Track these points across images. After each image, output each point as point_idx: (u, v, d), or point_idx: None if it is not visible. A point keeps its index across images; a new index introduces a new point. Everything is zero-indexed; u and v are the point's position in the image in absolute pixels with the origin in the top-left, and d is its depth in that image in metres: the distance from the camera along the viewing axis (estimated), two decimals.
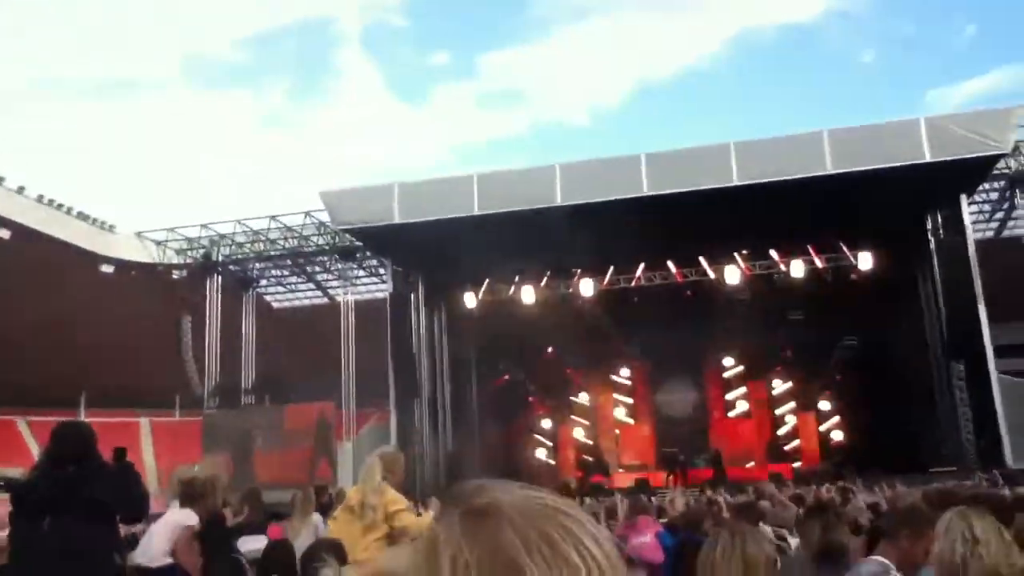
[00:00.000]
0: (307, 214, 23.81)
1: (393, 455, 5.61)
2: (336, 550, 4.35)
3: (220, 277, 25.68)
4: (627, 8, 64.76)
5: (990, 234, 23.40)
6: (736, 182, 18.00)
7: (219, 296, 25.51)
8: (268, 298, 28.81)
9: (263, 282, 27.22)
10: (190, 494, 5.59)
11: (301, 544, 5.81)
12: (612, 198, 18.49)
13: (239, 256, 25.59)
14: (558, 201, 18.76)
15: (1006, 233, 23.48)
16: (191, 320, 26.63)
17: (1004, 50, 66.49)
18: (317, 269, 26.61)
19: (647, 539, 6.24)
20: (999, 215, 23.51)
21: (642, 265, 22.66)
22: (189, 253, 25.90)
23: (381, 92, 69.47)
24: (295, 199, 69.91)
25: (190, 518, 5.41)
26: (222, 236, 25.19)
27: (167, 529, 5.44)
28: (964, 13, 62.74)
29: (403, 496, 5.32)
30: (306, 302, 29.09)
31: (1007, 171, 20.68)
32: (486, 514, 0.83)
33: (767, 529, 6.29)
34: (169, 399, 26.57)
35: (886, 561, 3.55)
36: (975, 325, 18.55)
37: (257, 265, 26.10)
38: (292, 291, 28.74)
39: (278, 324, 27.03)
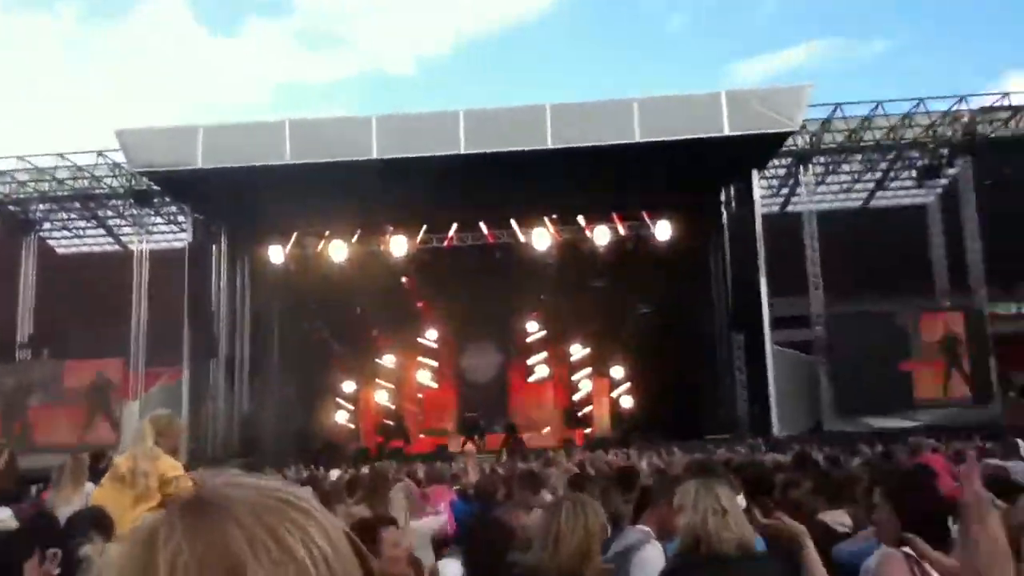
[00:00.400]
0: (100, 153, 21.97)
1: (167, 417, 5.25)
2: (101, 522, 4.02)
3: None
4: None
5: (776, 209, 25.06)
6: (550, 145, 18.38)
7: None
8: (52, 243, 26.44)
9: (47, 225, 24.89)
10: None
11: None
12: (429, 154, 18.39)
13: (20, 196, 23.25)
14: (374, 154, 18.43)
15: (789, 208, 25.23)
16: None
17: (801, 27, 71.49)
18: (109, 214, 24.65)
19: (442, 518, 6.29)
20: (784, 191, 25.27)
21: (455, 225, 22.76)
22: None
23: (188, 22, 65.22)
24: (87, 137, 64.57)
25: None
26: (1, 173, 22.81)
27: None
28: None
29: (178, 462, 5.04)
30: (95, 249, 26.97)
31: (794, 148, 22.08)
32: (211, 509, 0.78)
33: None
34: None
35: (647, 529, 3.74)
36: (756, 297, 19.91)
37: (40, 206, 23.83)
38: (80, 236, 26.46)
39: (62, 271, 24.87)
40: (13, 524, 5.28)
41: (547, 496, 6.41)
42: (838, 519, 4.42)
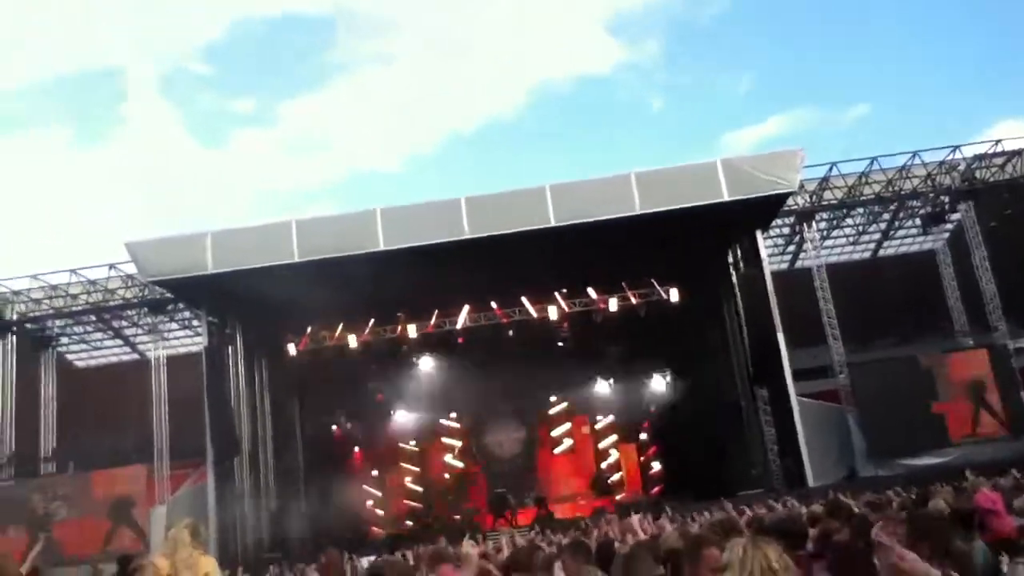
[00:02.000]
0: (112, 266, 22.41)
1: (196, 523, 5.42)
2: None
3: (14, 337, 23.63)
4: (428, 56, 65.70)
5: (784, 266, 25.30)
6: (553, 223, 18.60)
7: (14, 357, 23.44)
8: (71, 356, 26.75)
9: (64, 340, 25.27)
10: None
11: None
12: (434, 241, 18.61)
13: (36, 313, 23.65)
14: (380, 246, 18.66)
15: (798, 264, 25.47)
16: None
17: (777, 101, 72.88)
18: (124, 324, 24.99)
19: None
20: (791, 248, 25.54)
21: (466, 307, 22.86)
22: None
23: (183, 139, 66.77)
24: (96, 251, 65.66)
25: None
26: (16, 293, 23.23)
27: None
28: (739, 66, 68.48)
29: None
30: (113, 359, 27.25)
31: (795, 207, 22.53)
32: None
33: None
34: None
35: None
36: (775, 351, 19.93)
37: (56, 322, 24.21)
38: (97, 348, 26.81)
39: (82, 384, 25.13)
40: None
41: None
42: None
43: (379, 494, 28.80)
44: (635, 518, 9.03)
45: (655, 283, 22.25)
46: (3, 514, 21.56)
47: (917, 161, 22.56)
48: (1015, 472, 12.31)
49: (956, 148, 22.73)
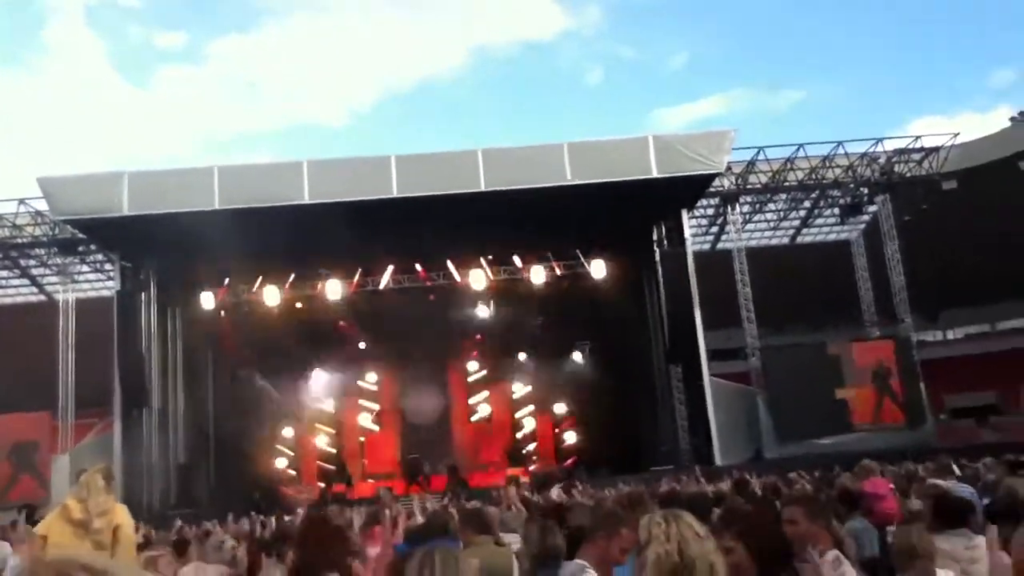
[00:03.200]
0: (21, 201, 21.45)
1: (109, 467, 5.34)
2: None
3: None
4: (369, 6, 64.67)
5: (707, 247, 25.73)
6: (484, 188, 18.54)
7: None
8: None
9: None
10: None
11: None
12: (362, 198, 18.35)
13: None
14: (306, 199, 18.33)
15: (719, 246, 25.92)
16: None
17: (712, 80, 73.97)
18: (32, 263, 23.98)
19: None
20: (714, 229, 25.96)
21: (390, 268, 22.66)
22: None
23: (106, 72, 64.23)
24: (7, 185, 63.02)
25: None
26: None
27: None
28: (675, 43, 69.18)
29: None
30: (19, 299, 26.20)
31: (721, 189, 22.88)
32: None
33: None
34: None
35: (582, 562, 3.75)
36: (692, 331, 20.32)
37: None
38: (2, 287, 25.74)
39: None
40: None
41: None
42: None
43: (291, 454, 28.48)
44: (554, 491, 9.12)
45: (580, 255, 22.38)
46: None
47: (841, 151, 23.10)
48: (909, 462, 12.86)
49: (878, 141, 23.40)
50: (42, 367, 21.75)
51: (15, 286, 25.82)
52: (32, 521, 8.20)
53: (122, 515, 5.04)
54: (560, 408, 28.82)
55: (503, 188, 18.56)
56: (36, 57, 67.33)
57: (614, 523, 3.80)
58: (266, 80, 66.63)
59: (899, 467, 11.65)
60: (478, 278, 22.34)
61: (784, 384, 22.02)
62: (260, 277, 22.07)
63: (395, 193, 18.51)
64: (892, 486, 8.44)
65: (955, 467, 10.00)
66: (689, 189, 20.15)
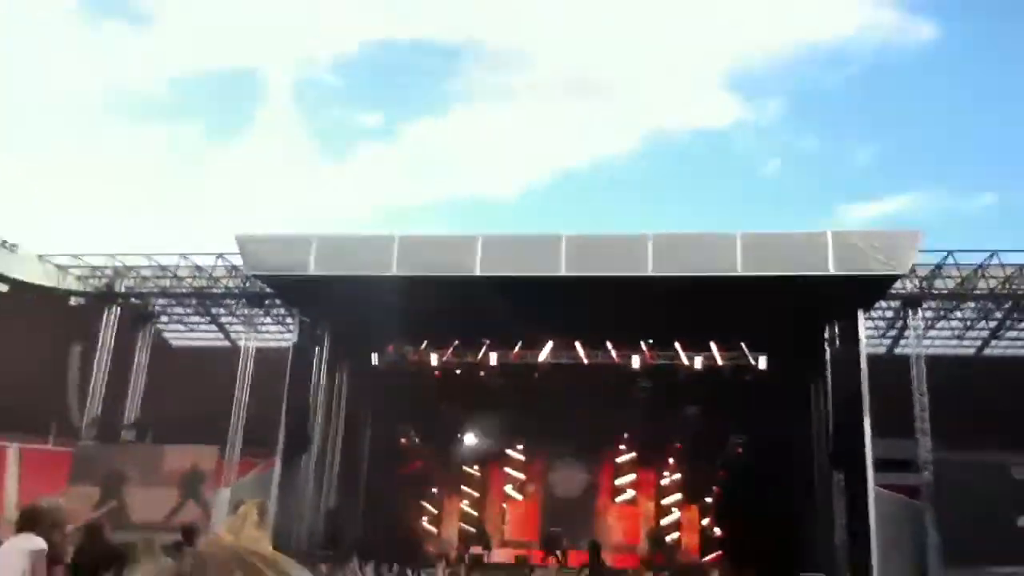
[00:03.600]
0: (220, 256, 23.25)
1: (265, 503, 5.55)
2: None
3: (119, 309, 24.66)
4: (550, 94, 66.57)
5: (882, 350, 24.51)
6: (651, 272, 18.48)
7: (115, 327, 24.41)
8: (167, 335, 27.77)
9: (164, 319, 26.24)
10: (28, 521, 5.30)
11: None
12: (530, 274, 18.71)
13: (142, 290, 24.68)
14: (477, 272, 18.85)
15: (897, 351, 24.61)
16: (82, 350, 25.37)
17: (898, 178, 70.88)
18: (222, 311, 25.83)
19: None
20: (892, 333, 24.69)
21: (550, 343, 22.90)
22: (91, 281, 24.83)
23: (305, 145, 69.08)
24: (207, 240, 68.43)
25: (36, 542, 5.11)
26: (128, 268, 24.31)
27: (16, 555, 5.10)
28: (862, 136, 66.90)
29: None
30: (205, 344, 28.18)
31: (903, 291, 21.68)
32: None
33: None
34: (45, 427, 25.17)
35: None
36: (859, 437, 19.24)
37: (160, 301, 25.17)
38: (193, 330, 27.78)
39: (173, 363, 26.03)
40: None
41: None
42: None
43: (435, 512, 28.97)
44: None
45: (744, 348, 21.87)
46: (81, 471, 22.44)
47: None
48: None
49: None
50: (218, 406, 23.16)
51: (204, 331, 27.81)
52: (189, 543, 8.71)
53: (271, 548, 5.24)
54: (709, 500, 28.04)
55: (671, 275, 18.43)
56: (247, 128, 73.21)
57: None
58: (450, 159, 69.70)
59: None
60: (637, 361, 22.22)
61: (958, 503, 20.42)
62: (425, 341, 22.84)
63: (563, 272, 18.73)
64: None
65: None
66: (868, 290, 19.28)
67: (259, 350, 23.76)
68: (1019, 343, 25.54)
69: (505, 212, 67.50)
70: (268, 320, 25.24)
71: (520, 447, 29.07)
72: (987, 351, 25.93)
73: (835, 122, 66.68)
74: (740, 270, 18.35)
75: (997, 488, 20.78)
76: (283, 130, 66.61)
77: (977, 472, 21.77)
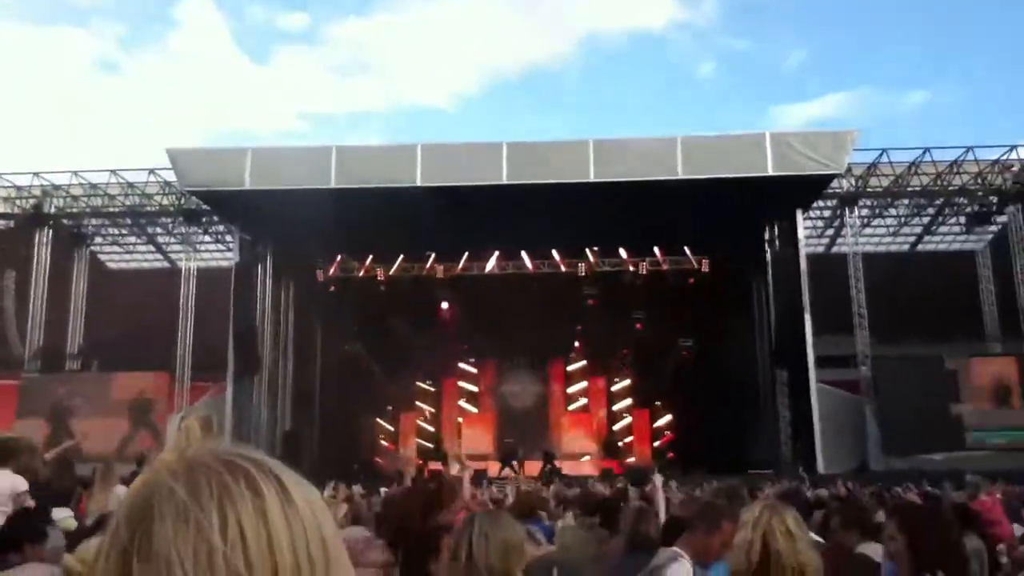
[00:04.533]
0: (151, 171, 22.57)
1: (211, 418, 5.38)
2: None
3: (51, 231, 23.94)
4: None
5: (821, 249, 24.93)
6: (593, 179, 18.43)
7: (48, 252, 23.79)
8: (103, 257, 27.11)
9: (98, 240, 25.54)
10: (3, 453, 5.11)
11: None
12: (472, 183, 18.54)
13: (73, 210, 23.92)
14: (418, 182, 18.62)
15: (835, 249, 25.06)
16: (15, 276, 24.66)
17: (832, 78, 71.16)
18: (158, 231, 25.22)
19: None
20: (829, 232, 25.11)
21: (496, 254, 22.86)
22: (17, 203, 23.94)
23: (228, 50, 66.67)
24: (136, 154, 66.29)
25: (17, 483, 4.93)
26: (56, 187, 23.47)
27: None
28: (794, 38, 66.83)
29: None
30: (144, 265, 27.60)
31: (839, 190, 22.08)
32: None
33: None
34: None
35: (677, 550, 3.71)
36: (800, 335, 19.71)
37: (93, 221, 24.48)
38: (129, 252, 27.14)
39: (112, 286, 25.48)
40: (73, 524, 5.46)
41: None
42: (878, 552, 4.33)
43: (391, 428, 29.22)
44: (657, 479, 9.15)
45: (688, 251, 22.06)
46: (27, 405, 22.14)
47: (970, 157, 22.00)
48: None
49: (1012, 148, 22.10)
50: (163, 330, 22.86)
51: (142, 252, 27.19)
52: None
53: None
54: (659, 404, 28.62)
55: (613, 180, 18.39)
56: (167, 32, 70.43)
57: (715, 516, 3.75)
58: (378, 63, 67.90)
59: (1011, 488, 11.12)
60: (583, 269, 22.34)
61: (895, 396, 21.21)
62: (370, 256, 22.64)
63: (505, 180, 18.59)
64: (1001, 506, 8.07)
65: None
66: (806, 189, 19.51)
67: (201, 270, 23.39)
68: (950, 237, 26.22)
69: (438, 121, 66.39)
70: (207, 239, 24.75)
71: (471, 360, 29.25)
72: (920, 246, 26.57)
73: (768, 23, 66.30)
74: (681, 173, 18.39)
75: (932, 379, 21.59)
76: (204, 33, 64.14)
77: (912, 364, 22.60)
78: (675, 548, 3.75)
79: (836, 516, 5.43)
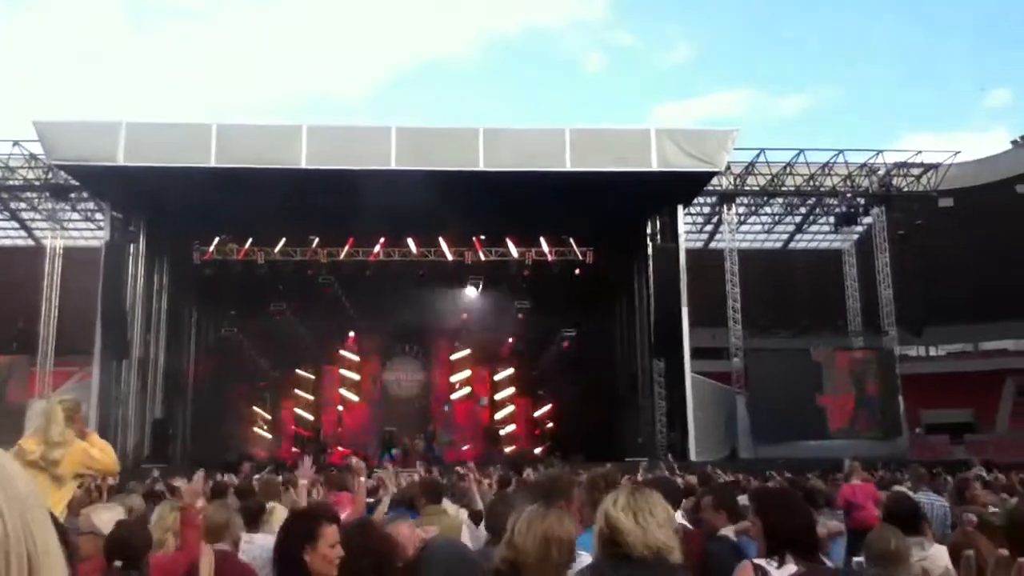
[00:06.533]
0: (16, 143, 21.22)
1: (75, 401, 5.08)
2: None
3: None
4: None
5: (699, 244, 25.77)
6: (482, 167, 18.46)
7: None
8: None
9: None
10: None
11: None
12: (359, 168, 18.23)
13: None
14: (302, 164, 18.19)
15: (712, 245, 25.97)
16: None
17: (716, 77, 73.79)
18: (23, 206, 23.78)
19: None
20: (708, 228, 25.98)
21: (382, 240, 22.58)
22: None
23: (111, 18, 63.46)
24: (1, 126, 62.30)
25: None
26: None
27: None
28: (679, 36, 68.83)
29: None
30: (6, 242, 25.99)
31: (719, 188, 22.89)
32: None
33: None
34: None
35: None
36: (678, 327, 20.30)
37: None
38: None
39: None
40: None
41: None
42: (740, 530, 4.50)
43: (268, 417, 28.52)
44: (528, 471, 9.28)
45: (572, 243, 22.37)
46: None
47: (841, 160, 23.18)
48: (882, 471, 13.00)
49: (878, 153, 23.45)
50: (25, 313, 21.62)
51: (4, 228, 25.60)
52: None
53: (90, 442, 4.85)
54: (540, 393, 28.96)
55: (501, 169, 18.46)
56: None
57: (567, 487, 3.82)
58: (272, 48, 66.01)
59: (874, 476, 11.76)
60: (469, 257, 22.34)
61: (765, 387, 22.18)
62: (250, 238, 21.98)
63: (393, 165, 18.39)
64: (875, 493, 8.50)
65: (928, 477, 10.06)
66: (687, 185, 20.14)
67: (68, 249, 22.19)
68: (820, 237, 27.54)
69: (335, 111, 65.20)
70: (76, 216, 23.48)
71: (353, 348, 28.83)
72: (792, 244, 27.80)
73: (656, 20, 67.93)
74: (569, 165, 18.62)
75: (799, 371, 22.67)
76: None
77: (782, 357, 23.71)
78: None
79: (708, 497, 5.61)
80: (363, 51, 67.79)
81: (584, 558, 3.44)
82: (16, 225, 25.22)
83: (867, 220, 24.63)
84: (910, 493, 7.21)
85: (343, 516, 6.30)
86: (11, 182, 22.29)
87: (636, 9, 66.09)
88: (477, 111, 67.76)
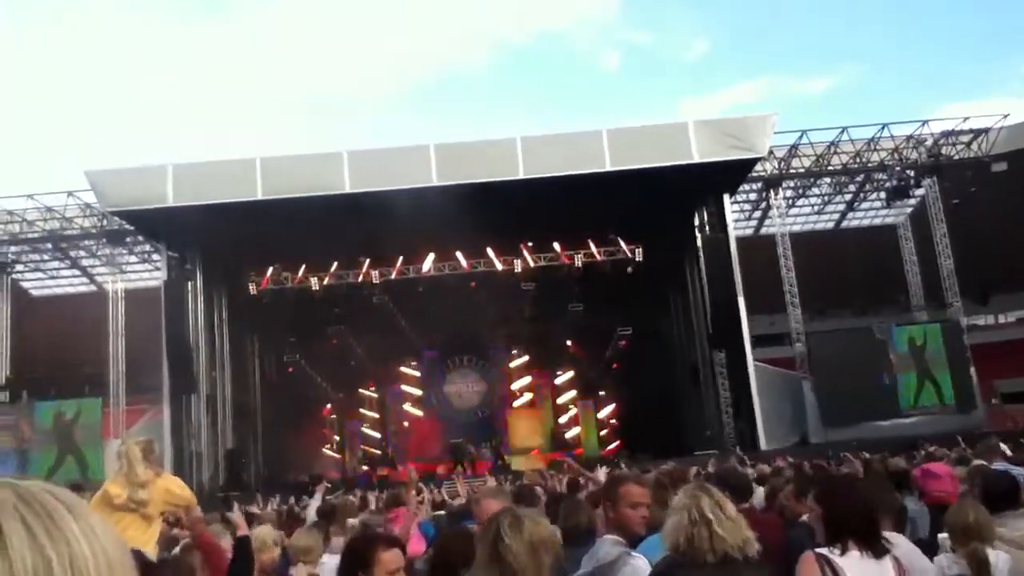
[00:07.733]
0: (70, 194, 21.91)
1: (151, 440, 5.22)
2: (139, 557, 3.91)
3: None
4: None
5: (749, 231, 25.47)
6: (523, 175, 18.51)
7: None
8: (26, 284, 26.22)
9: (19, 267, 24.68)
10: None
11: None
12: (402, 187, 18.42)
13: None
14: (347, 188, 18.46)
15: (763, 231, 25.63)
16: None
17: (741, 66, 72.55)
18: (82, 254, 24.51)
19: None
20: (757, 214, 25.66)
21: (431, 256, 22.75)
22: None
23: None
24: (54, 177, 64.06)
25: None
26: None
27: None
28: (693, 29, 67.88)
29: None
30: (70, 290, 26.78)
31: (763, 174, 22.59)
32: None
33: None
34: None
35: (616, 537, 3.72)
36: (735, 316, 20.12)
37: (12, 248, 23.64)
38: (53, 277, 26.31)
39: (37, 314, 24.71)
40: None
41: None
42: None
43: (336, 438, 28.92)
44: (600, 473, 9.17)
45: (621, 241, 22.28)
46: None
47: (886, 134, 22.71)
48: (962, 446, 12.64)
49: (924, 123, 22.93)
50: (94, 357, 22.23)
51: (67, 277, 26.40)
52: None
53: (168, 483, 4.99)
54: (602, 393, 28.89)
55: (543, 175, 18.50)
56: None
57: (612, 487, 3.74)
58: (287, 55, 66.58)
59: (952, 451, 11.46)
60: (518, 265, 22.38)
61: (830, 369, 21.80)
62: (303, 265, 22.33)
63: (435, 182, 18.55)
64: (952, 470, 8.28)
65: (1005, 449, 9.76)
66: (731, 174, 19.92)
67: (129, 291, 22.79)
68: (872, 213, 26.97)
69: (360, 126, 65.74)
70: (134, 258, 24.12)
71: (413, 363, 29.09)
72: (844, 223, 27.28)
73: (670, 12, 67.08)
74: (609, 165, 18.58)
75: (864, 349, 22.22)
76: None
77: (844, 338, 23.24)
78: (613, 536, 3.76)
79: (789, 486, 5.57)
80: (376, 64, 68.13)
81: (639, 562, 3.42)
82: (78, 272, 26.00)
83: (919, 192, 23.99)
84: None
85: (396, 530, 6.39)
86: (69, 231, 22.98)
87: (646, 6, 65.42)
88: (501, 118, 67.42)
